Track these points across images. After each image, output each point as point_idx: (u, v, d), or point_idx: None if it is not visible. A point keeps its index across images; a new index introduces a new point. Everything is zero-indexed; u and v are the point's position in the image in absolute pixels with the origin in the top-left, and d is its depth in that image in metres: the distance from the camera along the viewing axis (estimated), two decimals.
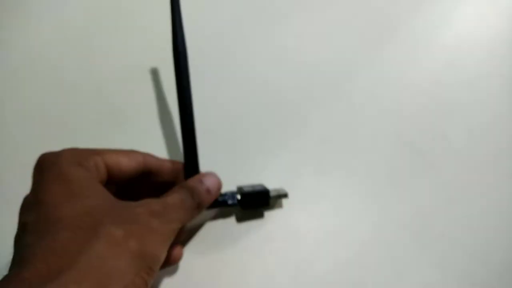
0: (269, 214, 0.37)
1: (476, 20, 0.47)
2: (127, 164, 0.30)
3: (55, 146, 0.40)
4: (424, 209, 0.37)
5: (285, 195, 0.36)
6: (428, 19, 0.48)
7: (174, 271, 0.35)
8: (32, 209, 0.26)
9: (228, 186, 0.38)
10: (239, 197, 0.35)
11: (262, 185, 0.36)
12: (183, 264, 0.35)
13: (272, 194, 0.35)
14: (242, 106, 0.42)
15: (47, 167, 0.27)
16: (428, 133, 0.41)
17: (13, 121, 0.42)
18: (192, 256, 0.35)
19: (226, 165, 0.39)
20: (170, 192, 0.30)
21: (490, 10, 0.48)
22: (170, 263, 0.32)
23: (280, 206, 0.37)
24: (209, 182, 0.32)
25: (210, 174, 0.33)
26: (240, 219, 0.37)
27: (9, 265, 0.34)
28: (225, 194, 0.36)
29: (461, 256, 0.35)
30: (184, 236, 0.35)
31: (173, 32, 0.39)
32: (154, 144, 0.40)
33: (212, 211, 0.37)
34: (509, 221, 0.37)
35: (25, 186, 0.38)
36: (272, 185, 0.38)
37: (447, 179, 0.39)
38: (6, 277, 0.23)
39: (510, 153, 0.40)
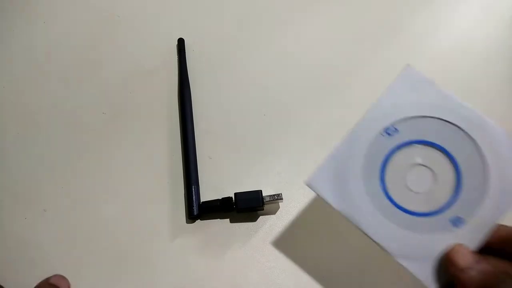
0: (266, 215, 0.37)
1: (471, 24, 0.47)
2: None
3: (59, 144, 0.40)
4: None
5: (280, 198, 0.36)
6: (425, 24, 0.47)
7: (175, 271, 0.35)
8: None
9: (228, 185, 0.38)
10: (234, 201, 0.36)
11: (258, 190, 0.36)
12: (184, 264, 0.35)
13: (266, 197, 0.36)
14: (242, 109, 0.42)
15: None
16: None
17: (18, 121, 0.42)
18: (192, 256, 0.35)
19: (225, 166, 0.40)
20: None
21: (486, 15, 0.48)
22: None
23: (277, 208, 0.37)
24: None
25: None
26: (235, 222, 0.37)
27: (9, 261, 0.34)
28: (221, 199, 0.36)
29: None
30: None
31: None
32: (156, 143, 0.40)
33: (211, 216, 0.37)
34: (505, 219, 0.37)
35: (27, 185, 0.38)
36: (271, 185, 0.38)
37: None
38: None
39: None
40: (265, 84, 0.44)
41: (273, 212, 0.37)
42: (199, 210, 0.36)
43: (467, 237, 0.27)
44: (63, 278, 0.32)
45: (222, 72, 0.45)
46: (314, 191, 0.29)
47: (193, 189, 0.37)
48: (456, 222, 0.27)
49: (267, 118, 0.42)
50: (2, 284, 0.34)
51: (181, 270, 0.35)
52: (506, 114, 0.42)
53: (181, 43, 0.45)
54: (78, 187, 0.38)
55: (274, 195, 0.36)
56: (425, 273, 0.27)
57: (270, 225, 0.37)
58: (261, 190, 0.36)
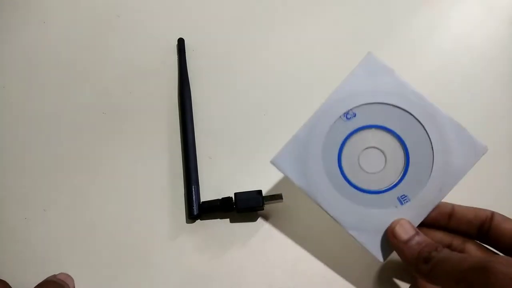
0: (266, 216, 0.37)
1: (471, 23, 0.47)
2: None
3: (59, 144, 0.40)
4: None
5: (280, 199, 0.36)
6: (425, 23, 0.48)
7: (175, 271, 0.35)
8: None
9: (228, 185, 0.38)
10: (234, 201, 0.36)
11: (258, 190, 0.36)
12: (184, 264, 0.35)
13: (266, 198, 0.36)
14: (242, 109, 0.42)
15: None
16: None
17: (18, 120, 0.42)
18: (192, 256, 0.35)
19: (225, 166, 0.40)
20: None
21: (485, 14, 0.48)
22: None
23: (277, 208, 0.37)
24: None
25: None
26: (235, 222, 0.37)
27: (9, 261, 0.34)
28: (221, 199, 0.36)
29: None
30: None
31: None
32: (156, 143, 0.40)
33: (211, 216, 0.37)
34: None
35: (27, 185, 0.38)
36: (271, 185, 0.38)
37: None
38: None
39: (505, 152, 0.40)
40: (265, 84, 0.44)
41: (273, 212, 0.37)
42: (199, 210, 0.36)
43: (411, 213, 0.31)
44: (69, 276, 0.34)
45: (221, 72, 0.45)
46: (278, 169, 0.32)
47: (193, 189, 0.37)
48: (402, 200, 0.31)
49: (267, 118, 0.42)
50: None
51: (181, 270, 0.35)
52: (506, 113, 0.42)
53: (181, 43, 0.45)
54: (78, 187, 0.38)
55: (274, 195, 0.36)
56: (374, 245, 0.31)
57: (270, 225, 0.37)
58: (261, 190, 0.36)
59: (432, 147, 0.31)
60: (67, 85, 0.44)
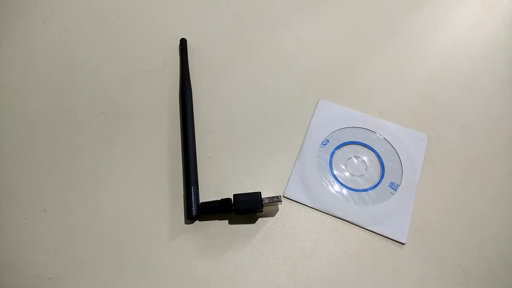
0: (266, 217, 0.37)
1: (471, 24, 0.47)
2: None
3: (59, 144, 0.41)
4: (420, 207, 0.38)
5: (279, 201, 0.36)
6: (425, 23, 0.47)
7: (173, 271, 0.35)
8: None
9: (228, 186, 0.38)
10: (233, 202, 0.36)
11: (257, 192, 0.36)
12: (182, 264, 0.35)
13: (265, 199, 0.35)
14: (242, 109, 0.42)
15: None
16: (424, 133, 0.41)
17: (18, 121, 0.42)
18: (191, 257, 0.36)
19: (225, 167, 0.40)
20: None
21: (485, 15, 0.48)
22: None
23: (276, 210, 0.37)
24: None
25: None
26: (234, 223, 0.37)
27: (9, 261, 0.34)
28: (220, 200, 0.36)
29: (456, 252, 0.36)
30: None
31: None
32: (156, 143, 0.41)
33: (210, 217, 0.37)
34: (503, 218, 0.37)
35: (27, 185, 0.39)
36: (270, 186, 0.38)
37: (443, 177, 0.39)
38: None
39: (505, 152, 0.40)
40: (265, 84, 0.44)
41: (272, 214, 0.37)
42: (198, 210, 0.36)
43: (405, 195, 0.38)
44: None
45: (221, 72, 0.45)
46: (292, 200, 0.38)
47: (192, 190, 0.37)
48: (393, 186, 0.39)
49: (267, 118, 0.42)
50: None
51: (179, 270, 0.35)
52: (506, 113, 0.42)
53: (183, 43, 0.45)
54: (78, 187, 0.38)
55: (273, 197, 0.35)
56: (392, 232, 0.36)
57: (269, 227, 0.37)
58: (260, 192, 0.36)
59: (392, 145, 0.40)
60: (67, 85, 0.44)
